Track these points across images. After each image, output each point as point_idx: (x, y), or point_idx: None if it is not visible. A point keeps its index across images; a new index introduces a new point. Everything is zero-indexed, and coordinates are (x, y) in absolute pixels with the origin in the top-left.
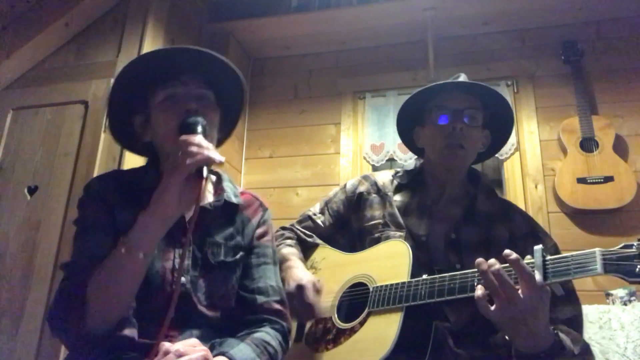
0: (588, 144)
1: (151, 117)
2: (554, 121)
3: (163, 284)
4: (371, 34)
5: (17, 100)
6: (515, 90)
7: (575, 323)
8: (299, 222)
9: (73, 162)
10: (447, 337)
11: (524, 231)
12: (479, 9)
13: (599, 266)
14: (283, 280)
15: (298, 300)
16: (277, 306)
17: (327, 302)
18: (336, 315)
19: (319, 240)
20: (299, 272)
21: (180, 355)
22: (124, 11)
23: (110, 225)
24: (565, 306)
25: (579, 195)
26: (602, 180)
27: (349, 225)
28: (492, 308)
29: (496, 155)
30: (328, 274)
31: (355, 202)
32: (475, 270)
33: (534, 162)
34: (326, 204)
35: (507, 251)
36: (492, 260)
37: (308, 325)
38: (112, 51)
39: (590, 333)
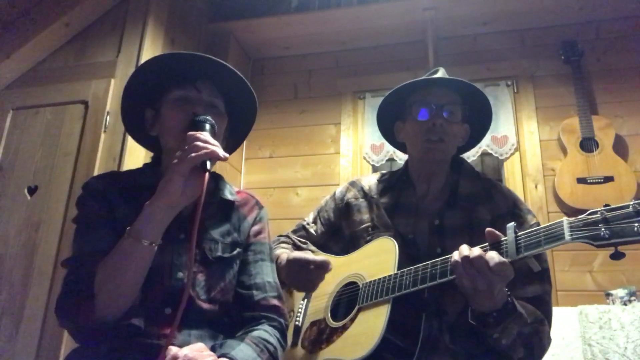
0: (588, 144)
1: (160, 112)
2: (554, 121)
3: (161, 280)
4: (371, 34)
5: (17, 100)
6: (515, 90)
7: (539, 301)
8: (294, 231)
9: (73, 162)
10: (443, 333)
11: (504, 211)
12: (479, 9)
13: (566, 234)
14: (278, 269)
15: (294, 270)
16: (275, 302)
17: (321, 303)
18: (329, 316)
19: (312, 247)
20: (286, 253)
21: None
22: (124, 11)
23: (110, 222)
24: (531, 285)
25: (579, 195)
26: (602, 180)
27: (341, 232)
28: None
29: (496, 155)
30: None
31: (344, 209)
32: None
33: (534, 162)
34: (318, 213)
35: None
36: (464, 251)
37: (304, 329)
38: (112, 51)
39: (590, 333)
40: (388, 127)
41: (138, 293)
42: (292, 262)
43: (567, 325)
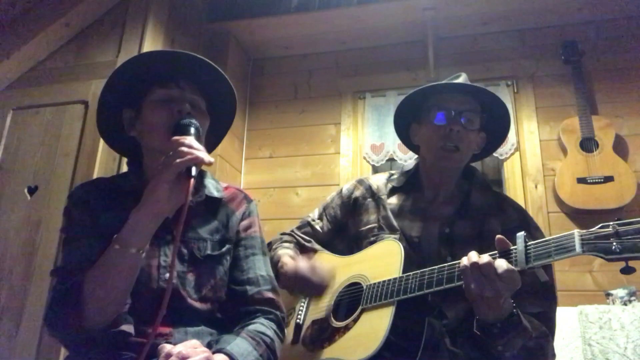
0: (588, 144)
1: (142, 113)
2: (554, 121)
3: (149, 281)
4: (371, 34)
5: (17, 100)
6: (515, 90)
7: (544, 316)
8: (298, 227)
9: (73, 162)
10: (444, 336)
11: (516, 224)
12: (479, 9)
13: (577, 246)
14: (281, 277)
15: (300, 283)
16: (269, 295)
17: (323, 302)
18: (332, 315)
19: (317, 246)
20: (290, 262)
21: (183, 358)
22: (124, 11)
23: (96, 229)
24: (537, 300)
25: (579, 195)
26: (602, 180)
27: (346, 230)
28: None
29: (496, 155)
30: None
31: (352, 207)
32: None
33: (534, 162)
34: (324, 209)
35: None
36: (473, 257)
37: (305, 327)
38: (112, 51)
39: (590, 333)
40: (403, 128)
41: (127, 299)
42: (293, 275)
43: (567, 325)
